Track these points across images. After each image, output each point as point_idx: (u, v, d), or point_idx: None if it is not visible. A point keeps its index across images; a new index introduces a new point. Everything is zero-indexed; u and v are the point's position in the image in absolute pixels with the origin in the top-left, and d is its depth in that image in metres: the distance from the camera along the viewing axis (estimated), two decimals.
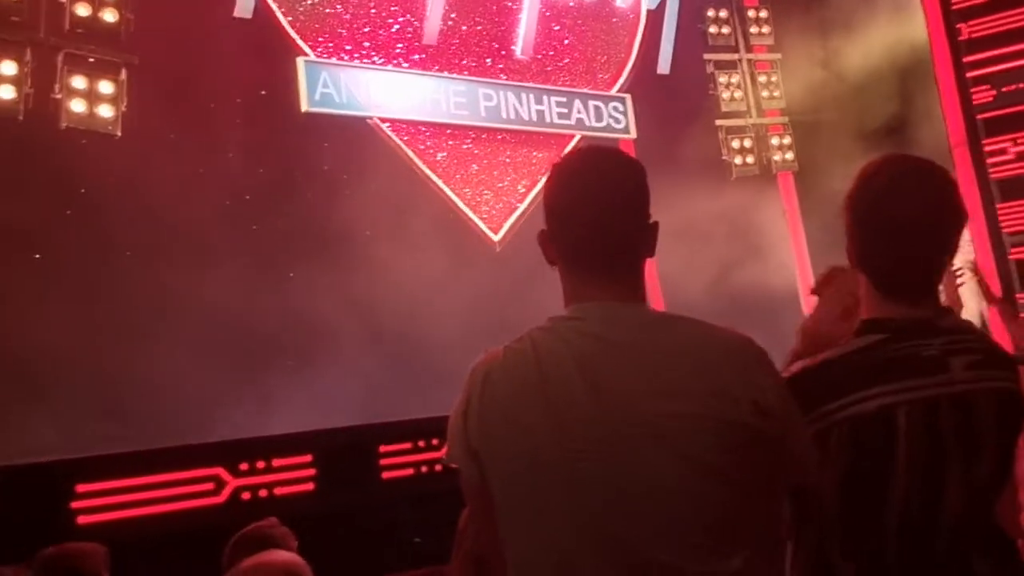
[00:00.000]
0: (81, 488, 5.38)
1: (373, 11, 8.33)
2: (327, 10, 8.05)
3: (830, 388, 1.96)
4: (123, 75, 7.07)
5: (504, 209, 8.71)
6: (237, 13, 7.50)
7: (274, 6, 7.82)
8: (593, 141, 8.96)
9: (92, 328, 6.32)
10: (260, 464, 5.81)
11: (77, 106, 6.88)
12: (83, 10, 6.96)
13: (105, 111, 6.97)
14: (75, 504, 5.34)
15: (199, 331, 6.57)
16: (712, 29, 9.99)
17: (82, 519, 5.30)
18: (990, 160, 9.35)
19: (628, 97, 9.49)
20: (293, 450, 5.99)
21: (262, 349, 7.03)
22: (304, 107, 7.80)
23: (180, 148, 7.12)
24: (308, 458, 5.96)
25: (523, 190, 8.83)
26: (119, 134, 6.98)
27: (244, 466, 5.76)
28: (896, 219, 1.96)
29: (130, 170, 6.77)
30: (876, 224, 2.00)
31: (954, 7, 9.40)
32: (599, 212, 1.83)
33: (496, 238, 8.58)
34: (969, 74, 9.38)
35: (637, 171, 1.90)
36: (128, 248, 6.69)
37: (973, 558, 1.95)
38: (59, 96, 6.84)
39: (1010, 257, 9.22)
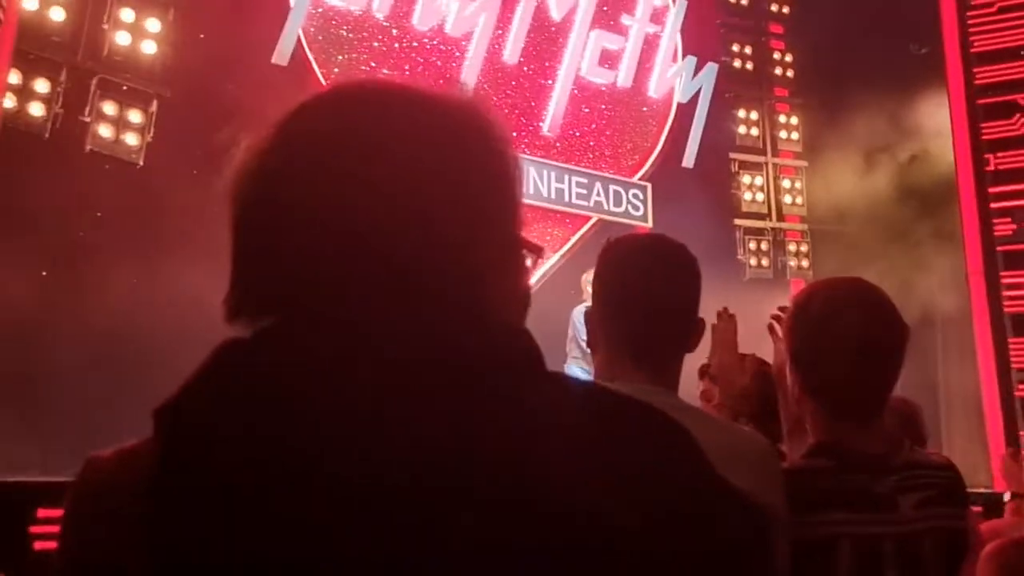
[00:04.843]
0: (42, 513, 5.27)
1: (408, 71, 8.45)
2: (362, 67, 8.18)
3: None
4: (154, 106, 7.20)
5: None
6: (275, 59, 7.62)
7: (311, 56, 7.95)
8: (611, 225, 9.00)
9: (92, 351, 6.31)
10: None
11: (104, 131, 7.00)
12: (123, 38, 7.11)
13: (131, 139, 7.08)
14: (34, 529, 5.25)
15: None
16: (741, 129, 10.07)
17: (39, 544, 5.20)
18: (1006, 293, 9.23)
19: (649, 186, 9.54)
20: None
21: None
22: None
23: (199, 184, 7.21)
24: None
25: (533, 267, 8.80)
26: (142, 163, 7.08)
27: None
28: (842, 338, 1.95)
29: (148, 199, 6.86)
30: (822, 346, 1.99)
31: (984, 137, 9.41)
32: (660, 304, 1.88)
33: None
34: (993, 205, 9.35)
35: (696, 270, 1.94)
36: (133, 278, 6.70)
37: None
38: (88, 119, 6.96)
39: (1016, 394, 9.08)
